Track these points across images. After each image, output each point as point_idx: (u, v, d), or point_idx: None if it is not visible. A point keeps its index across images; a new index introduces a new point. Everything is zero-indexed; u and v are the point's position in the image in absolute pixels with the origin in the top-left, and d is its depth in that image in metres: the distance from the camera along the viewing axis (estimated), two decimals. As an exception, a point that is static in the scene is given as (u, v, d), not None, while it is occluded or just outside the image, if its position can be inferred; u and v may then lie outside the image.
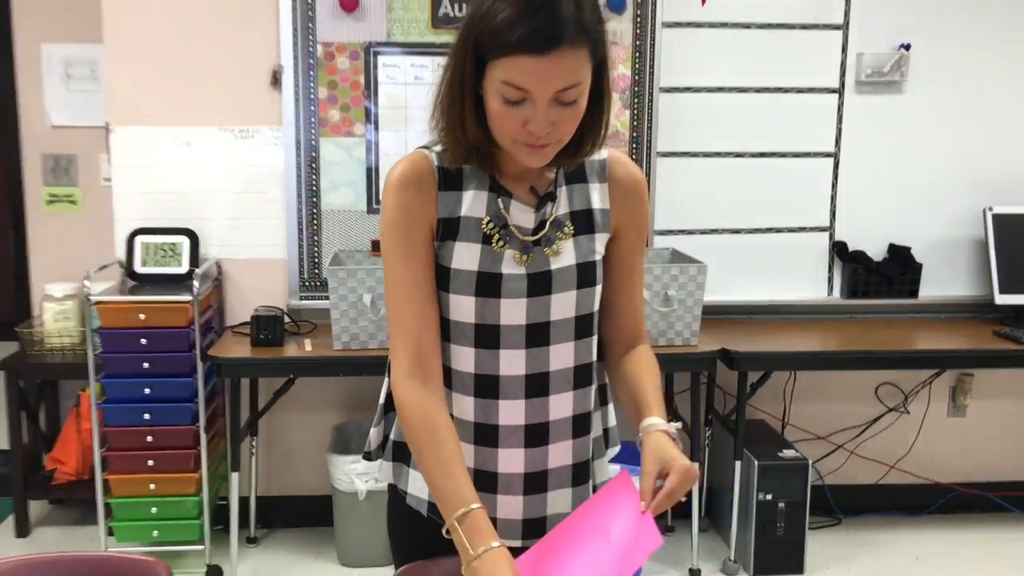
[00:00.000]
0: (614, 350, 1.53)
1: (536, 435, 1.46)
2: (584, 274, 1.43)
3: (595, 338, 1.49)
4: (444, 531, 1.30)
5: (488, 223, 1.40)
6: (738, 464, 3.23)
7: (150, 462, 3.05)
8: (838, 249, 3.53)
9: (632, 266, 1.51)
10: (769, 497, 3.20)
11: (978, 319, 3.53)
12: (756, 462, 3.19)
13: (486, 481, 1.47)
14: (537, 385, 1.44)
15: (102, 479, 3.07)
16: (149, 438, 3.04)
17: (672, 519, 3.57)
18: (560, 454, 1.48)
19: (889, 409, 3.68)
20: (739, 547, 3.29)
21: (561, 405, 1.46)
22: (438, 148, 1.41)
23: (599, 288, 1.47)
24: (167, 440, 3.06)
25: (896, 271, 3.51)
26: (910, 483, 3.74)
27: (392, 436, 1.55)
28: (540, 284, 1.42)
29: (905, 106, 3.46)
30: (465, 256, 1.40)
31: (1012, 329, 3.30)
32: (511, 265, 1.41)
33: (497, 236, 1.40)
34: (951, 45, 3.43)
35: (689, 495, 3.26)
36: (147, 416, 3.03)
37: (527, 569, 1.28)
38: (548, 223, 1.42)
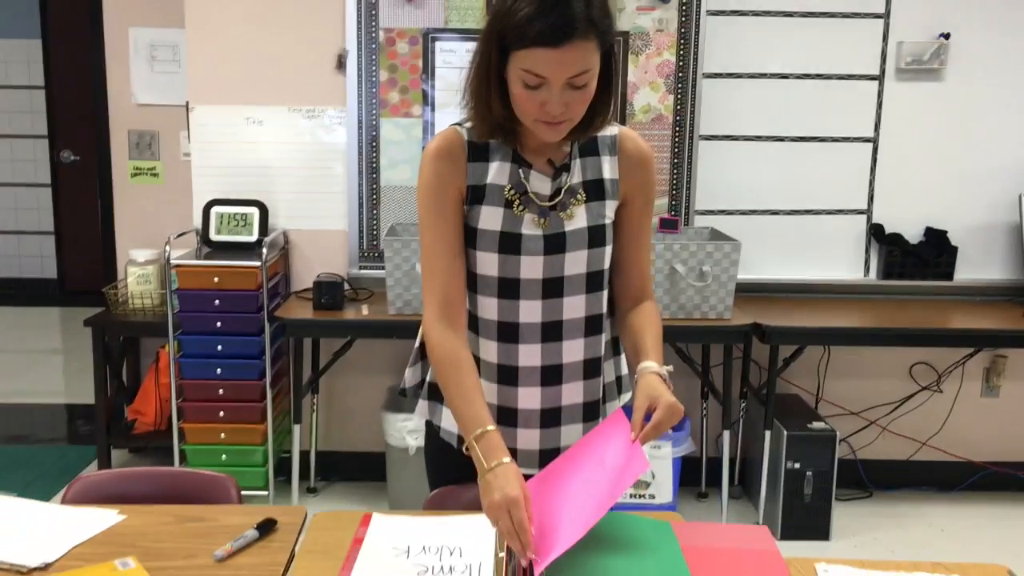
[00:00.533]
0: (622, 305, 1.71)
1: (551, 375, 1.67)
2: (595, 235, 1.63)
3: (605, 292, 1.68)
4: (464, 448, 1.51)
5: (510, 190, 1.61)
6: (768, 434, 3.39)
7: (221, 413, 3.34)
8: (875, 231, 3.64)
9: (639, 230, 1.69)
10: (797, 466, 3.35)
11: (1011, 301, 3.61)
12: (785, 432, 3.34)
13: (507, 416, 1.68)
14: (552, 331, 1.65)
15: (178, 427, 3.37)
16: (220, 391, 3.33)
17: (706, 486, 3.75)
18: (572, 393, 1.69)
19: (922, 387, 3.79)
20: (767, 513, 3.45)
21: (573, 349, 1.67)
22: (468, 124, 1.62)
23: (609, 248, 1.66)
24: (236, 393, 3.34)
25: (932, 254, 3.61)
26: (942, 460, 3.85)
27: (428, 378, 1.77)
28: (555, 244, 1.61)
29: (943, 94, 3.55)
30: (490, 218, 1.61)
31: (1043, 312, 3.40)
32: (530, 227, 1.61)
33: (518, 201, 1.61)
34: (989, 35, 3.51)
35: (720, 466, 3.45)
36: (219, 371, 3.31)
37: (535, 487, 1.49)
38: (563, 190, 1.62)
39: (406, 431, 3.40)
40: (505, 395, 1.68)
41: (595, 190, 1.64)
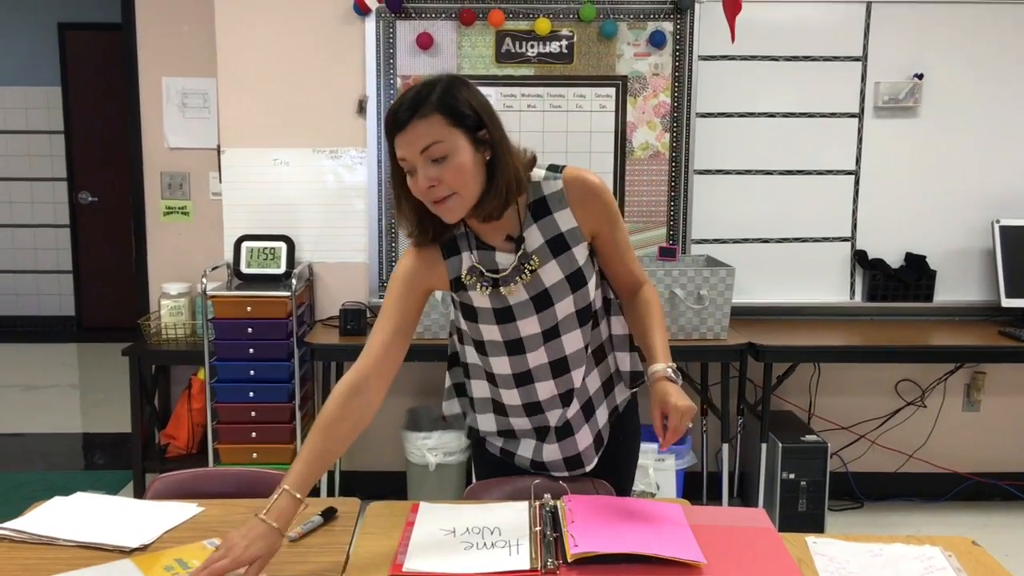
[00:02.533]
0: (623, 296, 1.96)
1: (566, 399, 1.94)
2: (574, 281, 1.83)
3: (594, 321, 1.92)
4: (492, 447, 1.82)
5: (467, 276, 1.82)
6: (764, 446, 3.63)
7: (253, 434, 3.57)
8: (859, 257, 3.91)
9: (615, 246, 1.87)
10: (792, 476, 3.59)
11: (987, 321, 3.88)
12: (780, 444, 3.59)
13: (535, 433, 1.97)
14: (560, 366, 1.90)
15: (213, 448, 3.60)
16: (252, 413, 3.56)
17: (707, 498, 3.99)
18: (584, 435, 1.97)
19: (907, 403, 4.04)
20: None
21: (581, 375, 1.93)
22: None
23: (591, 283, 1.86)
24: (267, 415, 3.57)
25: (912, 277, 3.88)
26: (928, 471, 4.09)
27: (457, 380, 2.05)
28: (543, 301, 1.84)
29: (919, 129, 3.84)
30: (479, 299, 1.85)
31: (1016, 329, 3.65)
32: (517, 294, 1.83)
33: (479, 284, 1.81)
34: (960, 74, 3.81)
35: (721, 478, 3.69)
36: (251, 394, 3.55)
37: (588, 501, 1.79)
38: (517, 260, 1.80)
39: (426, 448, 3.63)
40: (532, 414, 1.97)
41: (558, 245, 1.81)
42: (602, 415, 2.00)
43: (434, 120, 1.62)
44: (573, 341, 1.88)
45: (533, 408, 1.94)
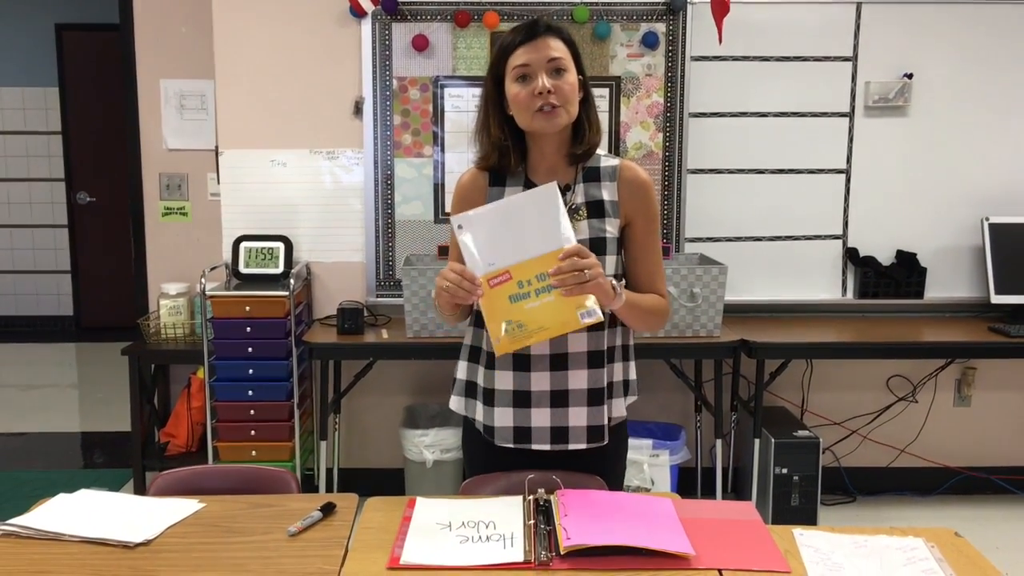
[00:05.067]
0: None
1: (559, 362, 1.96)
2: (595, 246, 1.92)
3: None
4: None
5: None
6: (757, 442, 3.68)
7: (252, 432, 3.61)
8: (850, 255, 3.95)
9: (643, 244, 2.00)
10: (784, 471, 3.64)
11: (977, 317, 3.93)
12: (773, 440, 3.63)
13: (523, 398, 1.98)
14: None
15: (213, 446, 3.64)
16: (251, 412, 3.60)
17: (701, 494, 4.03)
18: (577, 379, 1.98)
19: (899, 398, 4.09)
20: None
21: (578, 341, 1.95)
22: (480, 156, 2.02)
23: (609, 259, 1.94)
24: (266, 414, 3.61)
25: (903, 274, 3.92)
26: (920, 466, 4.14)
27: (462, 377, 2.07)
28: None
29: (909, 128, 3.88)
30: None
31: (1004, 325, 3.70)
32: None
33: None
34: (949, 74, 3.85)
35: (714, 474, 3.73)
36: (250, 393, 3.59)
37: (581, 496, 1.82)
38: (568, 208, 1.92)
39: (423, 446, 3.67)
40: (520, 380, 1.98)
41: (596, 209, 1.96)
42: (616, 406, 2.03)
43: (558, 40, 1.91)
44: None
45: (521, 362, 1.96)
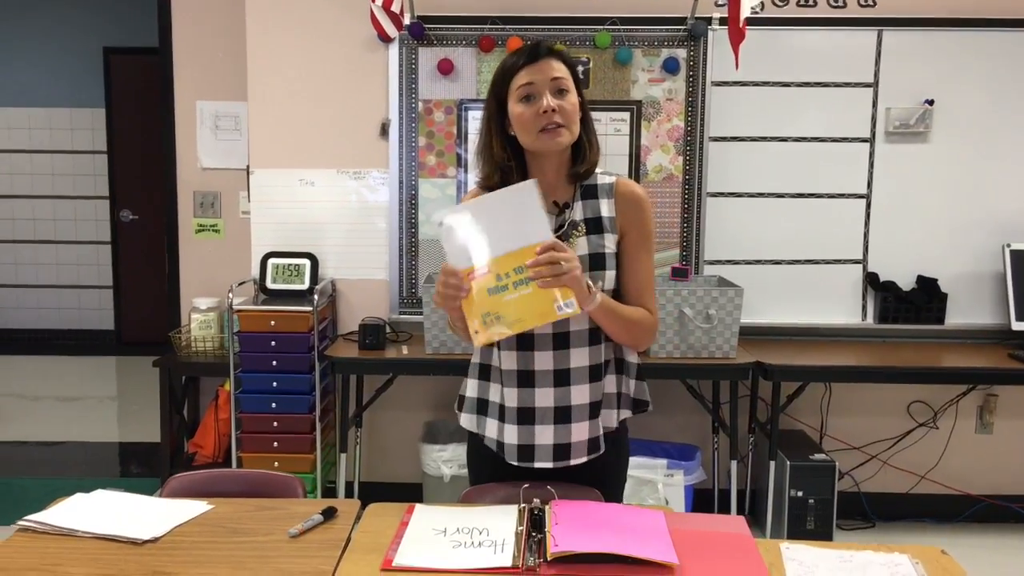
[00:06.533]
0: None
1: (562, 378, 2.01)
2: (594, 261, 1.98)
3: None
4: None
5: None
6: (772, 464, 3.70)
7: (275, 443, 3.71)
8: (871, 279, 3.96)
9: (634, 257, 2.03)
10: (800, 494, 3.64)
11: (997, 344, 3.91)
12: (788, 462, 3.64)
13: (527, 415, 2.03)
14: (561, 340, 2.00)
15: (237, 456, 3.74)
16: (275, 423, 3.70)
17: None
18: (580, 394, 2.03)
19: (920, 424, 4.08)
20: (773, 539, 3.73)
21: (580, 356, 2.01)
22: (482, 177, 2.08)
23: (609, 273, 2.00)
24: (289, 426, 3.71)
25: (924, 300, 3.92)
26: (940, 493, 4.12)
27: (471, 394, 2.13)
28: None
29: (930, 154, 3.90)
30: None
31: (1025, 352, 3.70)
32: None
33: None
34: (970, 100, 3.87)
35: (730, 496, 3.74)
36: (274, 405, 3.69)
37: (572, 507, 1.87)
38: (567, 224, 2.00)
39: (441, 460, 3.74)
40: (524, 397, 2.03)
41: (594, 225, 2.02)
42: (605, 417, 2.07)
43: (563, 64, 1.99)
44: (578, 320, 1.97)
45: (525, 379, 2.01)
